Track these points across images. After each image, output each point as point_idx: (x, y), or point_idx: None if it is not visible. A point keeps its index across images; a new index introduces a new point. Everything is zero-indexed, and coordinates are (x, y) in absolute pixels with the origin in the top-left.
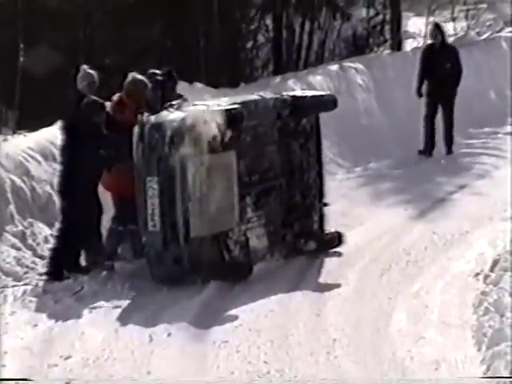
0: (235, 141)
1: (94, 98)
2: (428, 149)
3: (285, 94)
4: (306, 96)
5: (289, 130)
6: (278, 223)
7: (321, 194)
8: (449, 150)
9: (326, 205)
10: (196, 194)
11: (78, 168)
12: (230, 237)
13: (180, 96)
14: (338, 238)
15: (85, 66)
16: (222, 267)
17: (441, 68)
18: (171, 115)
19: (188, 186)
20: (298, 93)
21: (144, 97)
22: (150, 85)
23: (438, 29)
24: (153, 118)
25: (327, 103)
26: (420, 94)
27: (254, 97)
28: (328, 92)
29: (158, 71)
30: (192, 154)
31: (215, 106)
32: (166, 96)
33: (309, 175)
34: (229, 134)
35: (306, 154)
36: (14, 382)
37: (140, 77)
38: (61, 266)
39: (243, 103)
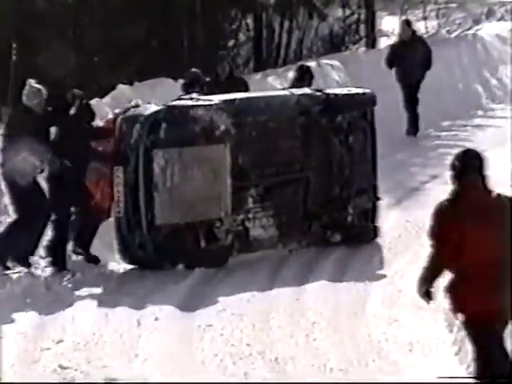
0: (230, 135)
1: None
2: None
3: (316, 90)
4: (340, 94)
5: (320, 127)
6: (296, 214)
7: (374, 188)
8: None
9: (378, 199)
10: (166, 184)
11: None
12: (218, 226)
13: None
14: (373, 231)
15: (32, 81)
16: (192, 255)
17: None
18: (147, 109)
19: (154, 176)
20: (334, 90)
21: None
22: None
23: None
24: (129, 112)
25: (365, 101)
26: None
27: (270, 93)
28: (367, 90)
29: (197, 70)
30: (163, 146)
31: (206, 101)
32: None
33: (349, 170)
34: (222, 128)
35: (345, 149)
36: None
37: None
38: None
39: (248, 99)
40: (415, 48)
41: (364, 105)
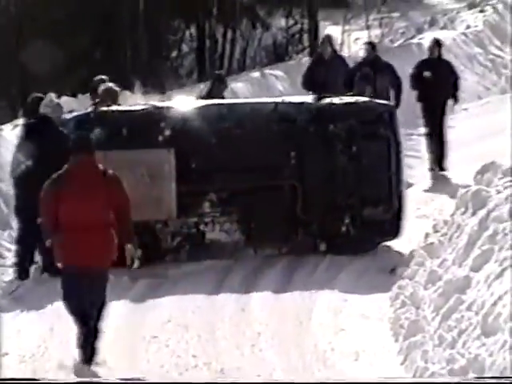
0: (179, 140)
1: None
2: None
3: (318, 98)
4: (334, 102)
5: (309, 135)
6: (274, 221)
7: (399, 200)
8: None
9: (401, 211)
10: None
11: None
12: (159, 228)
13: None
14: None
15: (52, 95)
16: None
17: None
18: (73, 114)
19: None
20: (334, 99)
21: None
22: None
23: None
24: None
25: (372, 109)
26: None
27: (240, 100)
28: (368, 99)
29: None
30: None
31: (145, 107)
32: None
33: (354, 179)
34: (166, 133)
35: (347, 158)
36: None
37: (112, 86)
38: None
39: (205, 106)
40: (335, 67)
41: (370, 113)
